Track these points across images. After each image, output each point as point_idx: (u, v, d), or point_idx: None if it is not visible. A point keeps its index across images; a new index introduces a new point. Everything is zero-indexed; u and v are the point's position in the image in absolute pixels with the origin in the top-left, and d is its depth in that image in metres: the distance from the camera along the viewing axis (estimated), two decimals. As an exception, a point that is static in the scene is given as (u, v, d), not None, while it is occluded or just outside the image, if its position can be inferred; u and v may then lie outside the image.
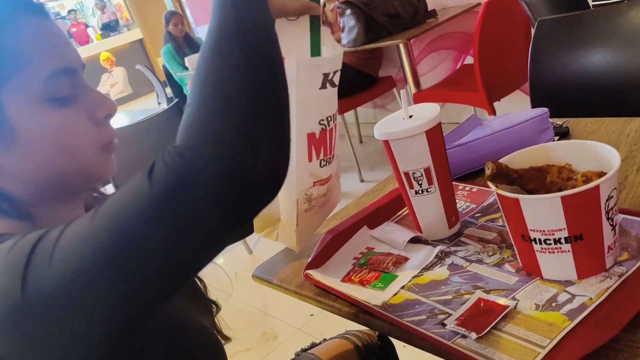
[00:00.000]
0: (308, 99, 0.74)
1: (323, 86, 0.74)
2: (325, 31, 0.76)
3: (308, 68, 0.72)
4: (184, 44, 4.50)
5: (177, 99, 2.67)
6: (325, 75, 0.74)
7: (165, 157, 0.44)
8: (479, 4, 2.76)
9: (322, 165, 0.80)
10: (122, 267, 0.43)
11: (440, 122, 0.76)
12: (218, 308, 0.78)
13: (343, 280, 0.77)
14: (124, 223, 0.43)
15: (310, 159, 0.78)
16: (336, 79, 0.76)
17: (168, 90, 4.88)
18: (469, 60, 3.05)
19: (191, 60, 4.75)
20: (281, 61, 0.50)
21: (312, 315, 2.01)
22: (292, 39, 0.73)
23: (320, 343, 1.00)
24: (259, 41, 0.48)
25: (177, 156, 0.43)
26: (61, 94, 0.55)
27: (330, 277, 0.78)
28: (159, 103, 5.29)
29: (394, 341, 0.95)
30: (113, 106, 0.60)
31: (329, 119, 0.78)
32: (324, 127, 0.78)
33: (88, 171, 0.59)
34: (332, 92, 0.77)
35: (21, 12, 0.54)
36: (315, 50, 0.76)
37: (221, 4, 0.49)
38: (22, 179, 0.56)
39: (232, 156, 0.43)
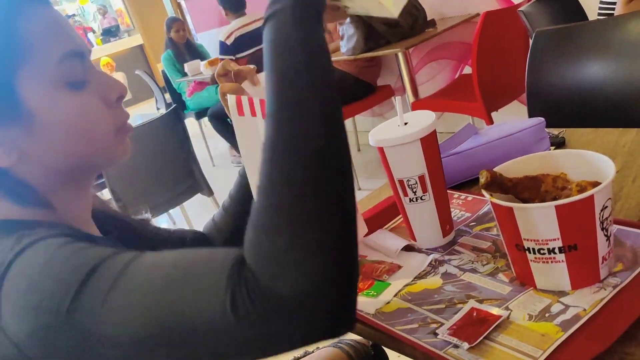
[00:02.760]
0: None
1: None
2: None
3: None
4: (184, 50, 4.52)
5: (175, 105, 2.67)
6: None
7: (251, 293, 0.41)
8: (477, 15, 2.77)
9: None
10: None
11: (435, 130, 0.76)
12: None
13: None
14: (192, 331, 0.42)
15: None
16: None
17: (167, 95, 4.89)
18: (467, 70, 3.05)
19: (190, 67, 4.74)
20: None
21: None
22: None
23: (313, 352, 0.99)
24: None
25: (265, 299, 0.40)
26: (75, 78, 0.56)
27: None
28: (158, 108, 5.31)
29: (388, 351, 0.94)
30: (123, 87, 0.61)
31: None
32: None
33: (104, 154, 0.60)
34: None
35: (27, 1, 0.55)
36: None
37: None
38: (44, 166, 0.57)
39: (333, 300, 0.41)
